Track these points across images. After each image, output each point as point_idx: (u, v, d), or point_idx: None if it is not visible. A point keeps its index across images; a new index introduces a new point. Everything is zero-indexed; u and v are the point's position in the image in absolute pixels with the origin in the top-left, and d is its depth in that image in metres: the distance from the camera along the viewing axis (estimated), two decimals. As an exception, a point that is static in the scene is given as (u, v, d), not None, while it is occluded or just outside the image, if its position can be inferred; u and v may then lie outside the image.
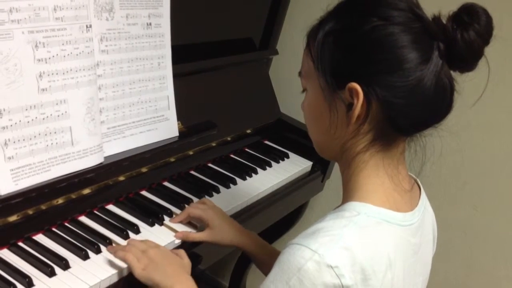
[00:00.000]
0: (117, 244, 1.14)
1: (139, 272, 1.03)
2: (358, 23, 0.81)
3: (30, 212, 1.09)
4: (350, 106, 0.82)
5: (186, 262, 1.10)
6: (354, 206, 0.84)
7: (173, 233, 1.23)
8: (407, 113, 0.81)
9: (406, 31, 0.80)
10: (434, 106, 0.82)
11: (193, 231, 1.25)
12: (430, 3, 0.86)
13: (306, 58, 0.88)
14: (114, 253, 1.08)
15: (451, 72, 0.83)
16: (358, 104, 0.81)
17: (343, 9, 0.86)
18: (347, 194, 0.89)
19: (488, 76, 0.86)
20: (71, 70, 1.12)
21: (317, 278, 0.76)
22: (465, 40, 0.79)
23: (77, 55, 1.13)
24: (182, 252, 1.13)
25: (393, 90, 0.80)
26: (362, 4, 0.84)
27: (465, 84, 0.85)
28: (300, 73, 0.92)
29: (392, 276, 0.82)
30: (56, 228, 1.15)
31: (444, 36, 0.80)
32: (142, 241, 1.12)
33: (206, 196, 1.41)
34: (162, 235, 1.21)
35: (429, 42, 0.80)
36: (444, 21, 0.81)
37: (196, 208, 1.27)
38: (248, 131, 1.74)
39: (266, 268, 1.19)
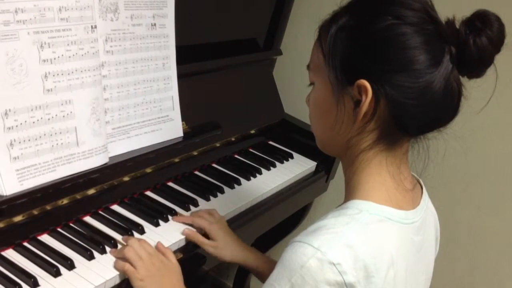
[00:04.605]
0: (122, 244, 1.14)
1: (138, 284, 1.04)
2: (372, 20, 0.81)
3: (35, 212, 1.09)
4: (357, 103, 0.82)
5: (176, 264, 1.11)
6: (356, 204, 0.84)
7: (177, 235, 1.23)
8: (414, 114, 0.81)
9: (419, 32, 0.80)
10: (441, 110, 0.82)
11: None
12: (444, 6, 0.86)
13: (317, 51, 0.88)
14: (115, 263, 1.08)
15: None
16: (366, 101, 0.81)
17: (358, 4, 0.85)
18: (349, 192, 0.89)
19: (496, 83, 0.86)
20: (76, 70, 1.12)
21: (320, 275, 0.76)
22: (477, 45, 0.78)
23: (82, 55, 1.13)
24: (169, 252, 1.13)
25: (402, 90, 0.80)
26: (377, 1, 0.84)
27: (472, 89, 0.85)
28: (308, 66, 0.91)
29: (394, 274, 0.82)
30: (61, 228, 1.16)
31: (457, 40, 0.80)
32: (140, 244, 1.11)
33: (211, 197, 1.41)
34: (166, 235, 1.21)
35: (441, 45, 0.80)
36: (457, 25, 0.81)
37: (202, 218, 1.27)
38: (252, 131, 1.74)
39: None
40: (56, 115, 1.10)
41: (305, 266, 0.76)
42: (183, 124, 1.44)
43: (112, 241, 1.14)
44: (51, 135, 1.10)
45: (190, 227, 1.26)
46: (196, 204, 1.36)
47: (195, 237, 1.23)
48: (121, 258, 1.09)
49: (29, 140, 1.06)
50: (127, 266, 1.05)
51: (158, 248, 1.13)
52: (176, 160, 1.43)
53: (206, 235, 1.25)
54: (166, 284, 1.06)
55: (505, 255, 1.73)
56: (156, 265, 1.07)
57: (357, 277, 0.77)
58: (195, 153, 1.49)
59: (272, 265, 1.21)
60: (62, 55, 1.09)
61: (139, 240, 1.13)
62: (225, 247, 1.23)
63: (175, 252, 1.18)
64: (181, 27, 1.40)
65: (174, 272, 1.09)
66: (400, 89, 0.80)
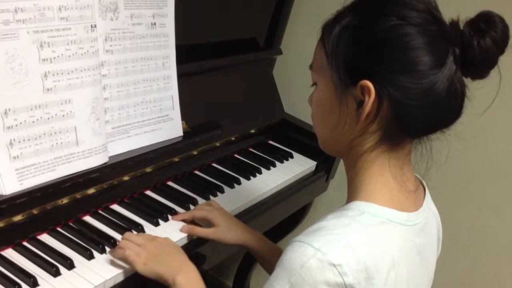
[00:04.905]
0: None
1: (141, 267, 1.03)
2: (376, 20, 0.81)
3: (35, 212, 1.09)
4: (360, 103, 0.82)
5: (176, 244, 1.12)
6: (358, 206, 0.84)
7: (177, 234, 1.23)
8: (417, 115, 0.81)
9: (423, 33, 0.79)
10: (444, 111, 0.82)
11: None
12: (448, 7, 0.86)
13: (320, 51, 0.88)
14: (114, 253, 1.08)
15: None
16: (369, 102, 0.81)
17: (361, 4, 0.85)
18: (352, 193, 0.88)
19: (500, 85, 0.86)
20: (76, 70, 1.12)
21: (320, 276, 0.76)
22: (481, 47, 0.78)
23: (82, 55, 1.13)
24: (168, 238, 1.14)
25: (405, 91, 0.79)
26: (381, 1, 0.84)
27: (476, 91, 0.85)
28: (311, 66, 0.91)
29: (395, 276, 0.81)
30: (61, 228, 1.15)
31: (461, 41, 0.80)
32: (137, 235, 1.12)
33: (211, 196, 1.41)
34: (166, 235, 1.20)
35: (444, 46, 0.80)
36: (460, 26, 0.81)
37: (201, 209, 1.27)
38: (252, 131, 1.74)
39: (271, 267, 1.19)
40: (55, 114, 1.10)
41: (305, 266, 0.76)
42: (183, 124, 1.44)
43: (112, 241, 1.14)
44: (50, 134, 1.10)
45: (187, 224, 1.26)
46: (196, 204, 1.36)
47: (193, 230, 1.23)
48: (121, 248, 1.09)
49: (28, 139, 1.06)
50: (128, 251, 1.05)
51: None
52: (176, 159, 1.43)
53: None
54: (171, 261, 1.05)
55: (505, 255, 1.73)
56: (157, 247, 1.07)
57: (358, 278, 0.77)
58: (195, 152, 1.49)
59: (274, 249, 1.22)
60: (62, 54, 1.09)
61: (138, 234, 1.14)
62: (227, 231, 1.23)
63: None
64: (181, 26, 1.39)
65: (176, 249, 1.09)
66: (403, 90, 0.80)
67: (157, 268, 1.03)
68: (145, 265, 1.03)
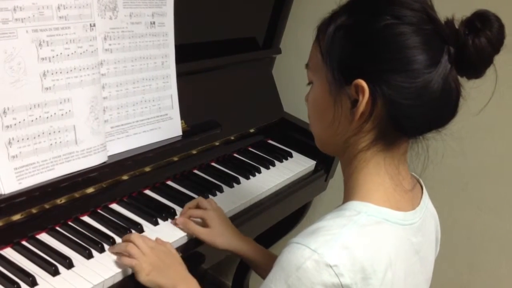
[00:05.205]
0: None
1: (144, 278, 1.04)
2: (370, 19, 0.81)
3: (34, 211, 1.09)
4: (355, 103, 0.82)
5: (176, 253, 1.12)
6: (354, 206, 0.84)
7: (177, 233, 1.23)
8: (411, 114, 0.81)
9: (418, 32, 0.79)
10: (439, 110, 0.82)
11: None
12: (444, 6, 0.86)
13: (315, 50, 0.88)
14: (119, 259, 1.09)
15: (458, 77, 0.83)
16: (363, 102, 0.80)
17: (356, 4, 0.85)
18: (348, 193, 0.89)
19: (496, 84, 0.86)
20: (74, 69, 1.12)
21: (316, 277, 0.76)
22: (476, 46, 0.78)
23: (80, 54, 1.13)
24: (168, 243, 1.14)
25: (400, 90, 0.79)
26: (376, 1, 0.84)
27: (471, 90, 0.85)
28: (307, 65, 0.91)
29: (392, 275, 0.82)
30: (60, 227, 1.15)
31: (456, 40, 0.79)
32: (141, 239, 1.11)
33: (210, 196, 1.41)
34: (165, 234, 1.21)
35: (439, 45, 0.80)
36: (456, 25, 0.80)
37: (198, 206, 1.27)
38: (252, 130, 1.74)
39: (264, 273, 1.19)
40: (54, 113, 1.10)
41: (301, 267, 0.76)
42: (182, 123, 1.44)
43: (111, 240, 1.14)
44: (49, 133, 1.09)
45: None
46: (195, 203, 1.36)
47: (188, 225, 1.23)
48: (122, 254, 1.09)
49: (27, 138, 1.06)
50: (134, 262, 1.05)
51: (157, 241, 1.14)
52: (175, 159, 1.43)
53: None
54: (172, 273, 1.06)
55: (504, 255, 1.73)
56: (160, 257, 1.08)
57: (354, 279, 0.77)
58: (194, 152, 1.49)
59: (267, 256, 1.22)
60: (61, 53, 1.09)
61: (140, 237, 1.14)
62: (220, 235, 1.23)
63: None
64: (180, 25, 1.39)
65: (177, 260, 1.10)
66: (397, 89, 0.79)
67: (158, 279, 1.04)
68: (148, 276, 1.04)
